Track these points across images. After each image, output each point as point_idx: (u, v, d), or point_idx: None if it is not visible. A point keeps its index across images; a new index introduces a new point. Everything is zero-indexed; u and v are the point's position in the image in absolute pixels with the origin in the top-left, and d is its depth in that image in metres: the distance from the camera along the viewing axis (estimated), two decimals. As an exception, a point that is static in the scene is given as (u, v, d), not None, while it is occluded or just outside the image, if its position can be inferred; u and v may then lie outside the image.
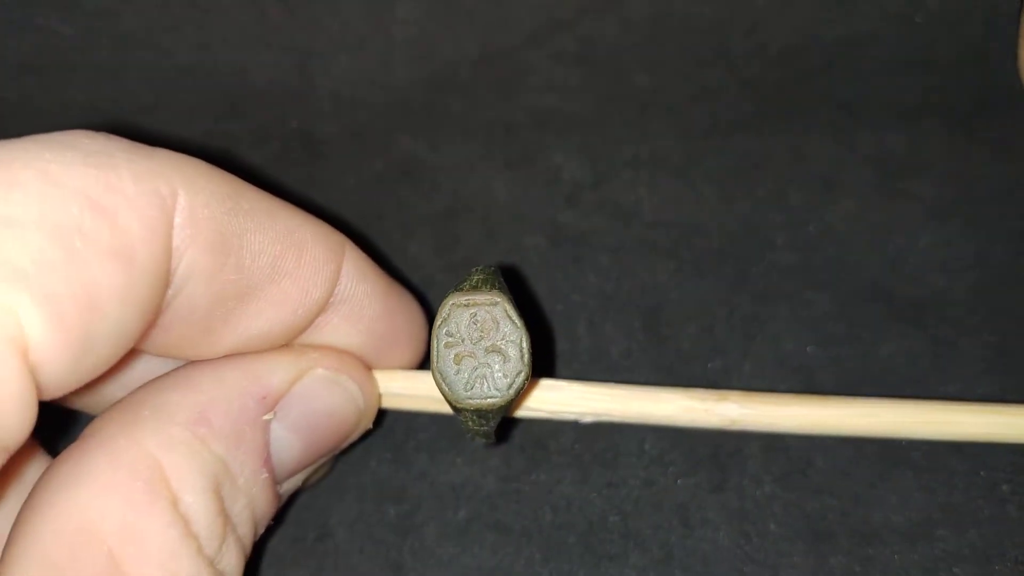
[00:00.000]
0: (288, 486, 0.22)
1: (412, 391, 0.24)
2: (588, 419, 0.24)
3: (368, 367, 0.23)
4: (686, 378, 0.27)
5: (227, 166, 0.20)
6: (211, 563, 0.18)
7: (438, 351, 0.20)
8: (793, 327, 0.28)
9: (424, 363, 0.25)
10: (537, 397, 0.24)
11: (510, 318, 0.20)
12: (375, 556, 0.25)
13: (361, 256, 0.22)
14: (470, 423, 0.21)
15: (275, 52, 0.33)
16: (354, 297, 0.22)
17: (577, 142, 0.31)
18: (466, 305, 0.20)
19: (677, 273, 0.29)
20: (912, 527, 0.25)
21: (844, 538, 0.25)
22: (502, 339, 0.20)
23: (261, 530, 0.21)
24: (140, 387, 0.20)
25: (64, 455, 0.18)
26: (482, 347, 0.20)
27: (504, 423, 0.24)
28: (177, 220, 0.17)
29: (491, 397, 0.20)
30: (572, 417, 0.24)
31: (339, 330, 0.22)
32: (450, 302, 0.20)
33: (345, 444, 0.23)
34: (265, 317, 0.20)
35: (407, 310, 0.24)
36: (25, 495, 0.18)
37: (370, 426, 0.23)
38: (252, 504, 0.20)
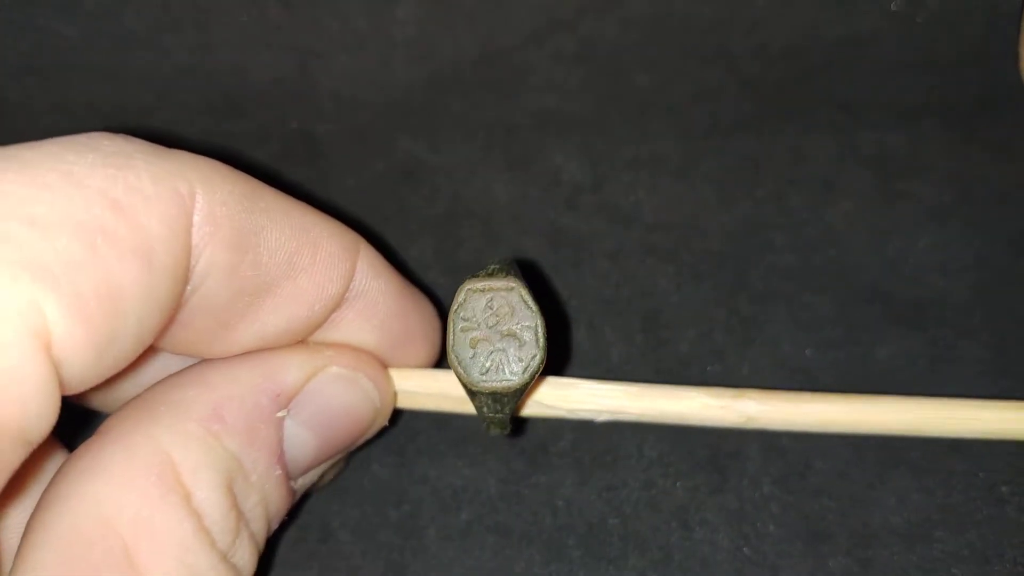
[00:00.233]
0: (303, 482, 0.22)
1: (428, 389, 0.24)
2: (604, 418, 0.24)
3: (384, 365, 0.23)
4: (685, 381, 0.26)
5: (235, 166, 0.20)
6: (224, 557, 0.19)
7: (454, 335, 0.21)
8: (792, 329, 0.28)
9: (440, 363, 0.25)
10: (553, 395, 0.24)
11: (526, 303, 0.21)
12: (377, 558, 0.25)
13: (375, 254, 0.23)
14: (485, 409, 0.22)
15: (275, 52, 0.33)
16: (369, 293, 0.22)
17: (577, 143, 0.31)
18: (482, 290, 0.21)
19: (677, 276, 0.29)
20: (911, 528, 0.25)
21: (843, 539, 0.25)
22: (517, 324, 0.21)
23: (275, 526, 0.21)
24: (156, 384, 0.20)
25: (81, 449, 0.19)
26: (498, 332, 0.21)
27: (521, 419, 0.24)
28: (196, 218, 0.18)
29: (506, 381, 0.20)
30: (588, 416, 0.24)
31: (354, 327, 0.22)
32: (466, 287, 0.21)
33: (361, 441, 0.23)
34: (282, 313, 0.21)
35: (421, 309, 0.24)
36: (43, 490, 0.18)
37: (386, 423, 0.24)
38: (265, 500, 0.20)
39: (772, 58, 0.31)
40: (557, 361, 0.28)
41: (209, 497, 0.19)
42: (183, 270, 0.18)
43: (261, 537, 0.21)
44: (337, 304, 0.22)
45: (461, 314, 0.21)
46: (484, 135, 0.32)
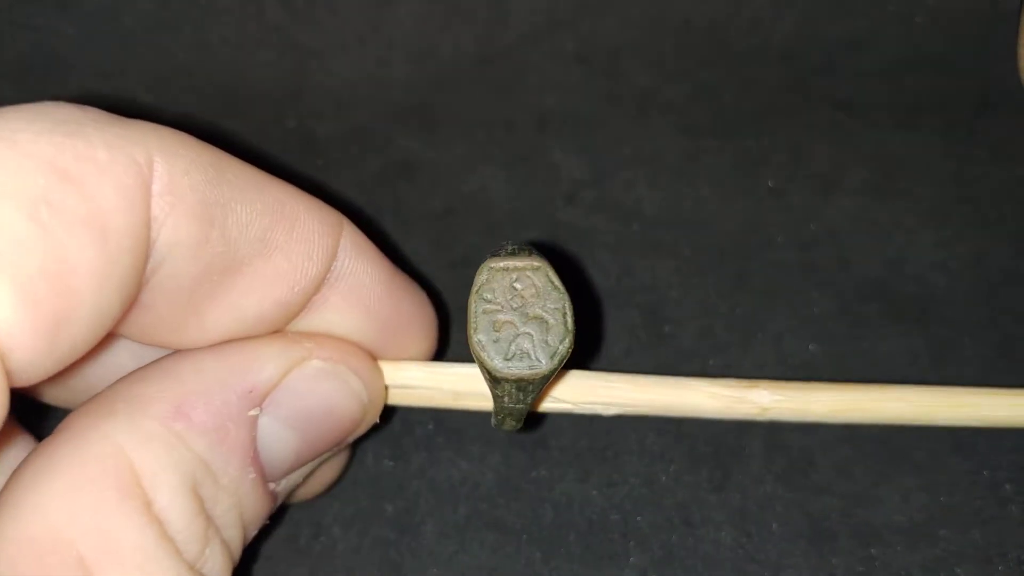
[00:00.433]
0: (286, 485, 0.20)
1: (423, 383, 0.22)
2: (612, 411, 0.23)
3: (373, 358, 0.22)
4: (687, 375, 0.26)
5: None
6: (192, 568, 0.17)
7: (476, 317, 0.19)
8: (793, 326, 0.28)
9: (436, 357, 0.24)
10: (560, 389, 0.23)
11: (552, 284, 0.19)
12: (372, 555, 0.25)
13: (360, 235, 0.21)
14: (506, 399, 0.20)
15: (274, 52, 0.33)
16: (352, 275, 0.21)
17: (576, 140, 0.31)
18: (505, 269, 0.19)
19: (677, 272, 0.29)
20: (914, 527, 0.25)
21: (846, 538, 0.25)
22: (544, 306, 0.19)
23: (253, 531, 0.20)
24: (120, 379, 0.19)
25: (33, 453, 0.17)
26: (523, 314, 0.19)
27: (530, 415, 0.23)
28: (155, 188, 0.16)
29: (534, 366, 0.19)
30: (596, 410, 0.23)
31: (339, 313, 0.21)
32: (488, 266, 0.19)
33: (350, 439, 0.22)
34: (257, 295, 0.19)
35: (412, 297, 0.23)
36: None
37: (376, 420, 0.22)
38: (239, 505, 0.19)
39: (772, 58, 0.31)
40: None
41: (172, 503, 0.17)
42: (142, 244, 0.16)
43: (236, 545, 0.19)
44: (317, 286, 0.20)
45: (484, 295, 0.19)
46: (483, 133, 0.32)
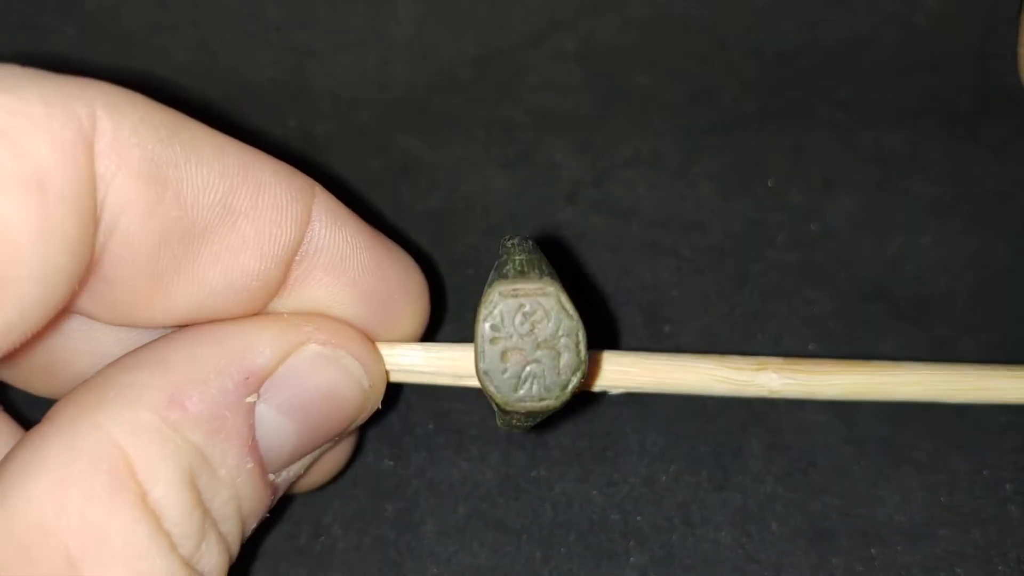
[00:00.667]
0: (286, 476, 0.20)
1: (423, 367, 0.21)
2: (618, 390, 0.22)
3: (372, 341, 0.21)
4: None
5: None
6: (187, 563, 0.17)
7: (483, 348, 0.18)
8: (793, 325, 0.28)
9: (432, 334, 0.23)
10: None
11: (564, 309, 0.18)
12: (372, 554, 0.25)
13: (335, 202, 0.20)
14: (515, 421, 0.19)
15: (274, 52, 0.32)
16: (332, 244, 0.20)
17: (577, 141, 0.31)
18: (514, 295, 0.18)
19: (678, 270, 0.29)
20: (914, 526, 0.25)
21: (846, 537, 0.25)
22: (555, 333, 0.18)
23: (252, 525, 0.19)
24: (108, 365, 0.18)
25: (22, 441, 0.17)
26: (532, 342, 0.18)
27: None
28: (99, 145, 0.16)
29: (544, 399, 0.18)
30: (601, 388, 0.22)
31: (324, 286, 0.20)
32: (495, 292, 0.18)
33: (351, 427, 0.21)
34: (224, 265, 0.18)
35: (399, 263, 0.22)
36: None
37: (378, 406, 0.21)
38: (238, 497, 0.18)
39: (772, 58, 0.31)
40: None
41: (168, 496, 0.16)
42: (89, 205, 0.15)
43: (234, 539, 0.18)
44: (292, 256, 0.19)
45: (490, 323, 0.18)
46: (483, 133, 0.32)
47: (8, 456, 0.16)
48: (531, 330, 0.18)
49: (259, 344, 0.19)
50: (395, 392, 0.23)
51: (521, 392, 0.18)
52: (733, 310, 0.28)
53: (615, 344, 0.28)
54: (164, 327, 0.19)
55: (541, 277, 0.18)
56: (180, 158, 0.17)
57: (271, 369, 0.19)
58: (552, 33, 0.32)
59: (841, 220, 0.29)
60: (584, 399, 0.26)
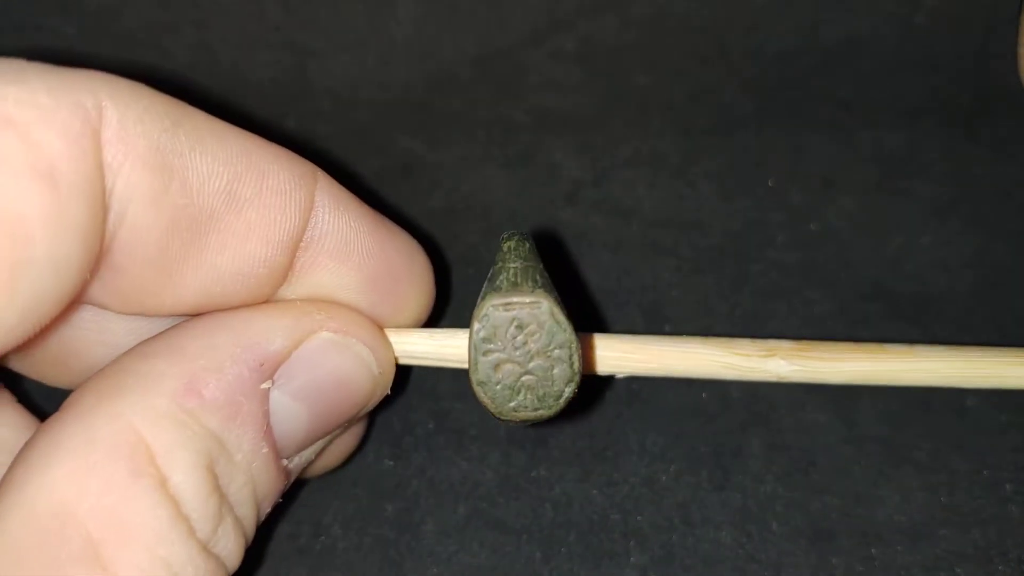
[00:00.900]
0: (298, 461, 0.20)
1: (430, 352, 0.22)
2: (622, 375, 0.22)
3: (381, 328, 0.21)
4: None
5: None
6: (205, 547, 0.17)
7: (477, 361, 0.18)
8: (793, 325, 0.28)
9: (437, 319, 0.24)
10: None
11: (556, 321, 0.18)
12: (372, 554, 0.25)
13: (337, 186, 0.20)
14: (511, 425, 0.20)
15: (274, 52, 0.33)
16: (336, 231, 0.20)
17: (577, 141, 0.31)
18: (506, 308, 0.18)
19: (678, 270, 0.29)
20: (914, 526, 0.25)
21: (846, 537, 0.25)
22: (548, 345, 0.18)
23: (267, 509, 0.19)
24: (124, 353, 0.18)
25: (40, 430, 0.17)
26: (526, 354, 0.18)
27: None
28: (106, 134, 0.16)
29: (539, 409, 0.18)
30: (607, 371, 0.22)
31: (330, 272, 0.20)
32: (488, 304, 0.18)
33: (362, 413, 0.21)
34: (231, 252, 0.19)
35: (403, 245, 0.22)
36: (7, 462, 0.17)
37: (388, 392, 0.22)
38: (253, 482, 0.18)
39: (772, 58, 0.31)
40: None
41: (186, 481, 0.17)
42: (98, 192, 0.16)
43: (249, 523, 0.19)
44: (297, 241, 0.19)
45: (482, 335, 0.18)
46: (483, 133, 0.32)
47: (28, 444, 0.17)
48: (524, 342, 0.19)
49: (273, 332, 0.19)
50: (402, 380, 0.23)
51: (515, 403, 0.19)
52: (733, 310, 0.28)
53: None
54: (174, 315, 0.20)
55: (534, 290, 0.19)
56: (184, 147, 0.17)
57: (285, 356, 0.19)
58: (552, 33, 0.32)
59: (841, 220, 0.29)
60: (590, 388, 0.26)
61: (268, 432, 0.19)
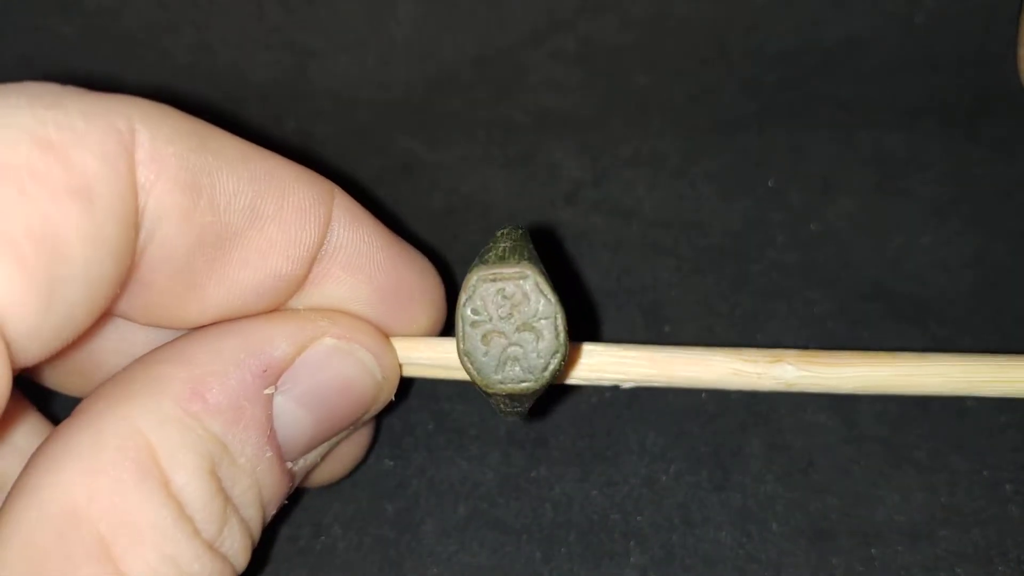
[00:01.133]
0: (303, 464, 0.21)
1: (435, 360, 0.22)
2: (628, 384, 0.22)
3: (385, 335, 0.22)
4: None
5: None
6: (210, 546, 0.18)
7: (464, 331, 0.19)
8: (793, 325, 0.28)
9: (446, 330, 0.24)
10: (574, 363, 0.22)
11: (542, 292, 0.19)
12: (373, 554, 0.25)
13: (354, 203, 0.21)
14: (502, 406, 0.20)
15: (274, 52, 0.32)
16: (350, 244, 0.21)
17: (577, 141, 0.31)
18: (493, 279, 0.19)
19: (677, 271, 0.29)
20: (914, 527, 0.25)
21: (846, 537, 0.25)
22: (534, 316, 0.19)
23: (272, 510, 0.20)
24: (134, 361, 0.19)
25: (52, 434, 0.17)
26: (512, 325, 0.19)
27: (541, 397, 0.22)
28: (139, 156, 0.17)
29: (524, 381, 0.19)
30: (610, 382, 0.22)
31: (341, 284, 0.21)
32: (475, 276, 0.19)
33: (366, 418, 0.22)
34: (253, 268, 0.19)
35: (414, 263, 0.22)
36: (21, 463, 0.17)
37: (391, 398, 0.22)
38: (258, 484, 0.19)
39: (772, 58, 0.31)
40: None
41: (190, 483, 0.17)
42: (131, 212, 0.16)
43: (255, 524, 0.19)
44: (314, 256, 0.20)
45: (470, 307, 0.19)
46: (483, 134, 0.32)
47: (40, 448, 0.17)
48: (511, 313, 0.19)
49: (277, 338, 0.19)
50: (406, 385, 0.23)
51: (501, 375, 0.19)
52: (733, 310, 0.28)
53: (616, 341, 0.28)
54: (194, 327, 0.20)
55: (520, 262, 0.19)
56: (212, 166, 0.18)
57: (288, 362, 0.19)
58: (552, 33, 0.32)
59: (841, 220, 0.29)
60: (591, 394, 0.26)
61: (272, 436, 0.19)
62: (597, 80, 0.32)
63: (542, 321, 0.19)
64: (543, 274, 0.19)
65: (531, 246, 0.20)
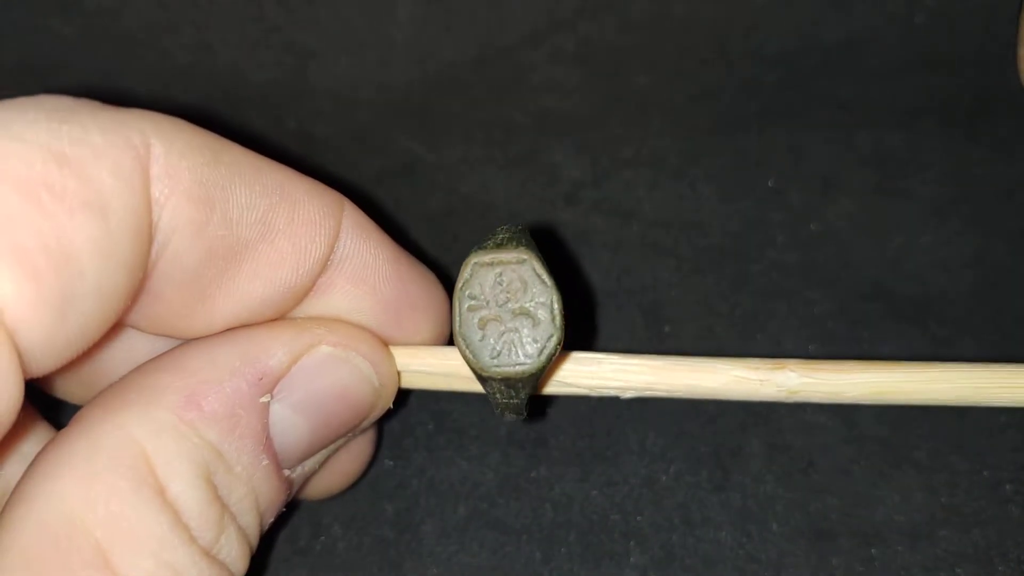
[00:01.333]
0: (302, 472, 0.21)
1: (435, 368, 0.22)
2: (629, 394, 0.22)
3: (384, 343, 0.22)
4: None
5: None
6: (207, 553, 0.18)
7: (460, 315, 0.19)
8: (793, 326, 0.28)
9: (449, 342, 0.23)
10: (573, 371, 0.22)
11: (539, 277, 0.19)
12: (372, 554, 0.25)
13: (362, 216, 0.21)
14: (498, 395, 0.20)
15: (274, 52, 0.32)
16: (357, 255, 0.21)
17: (577, 142, 0.31)
18: (490, 264, 0.19)
19: (677, 271, 0.29)
20: (914, 527, 0.25)
21: (846, 537, 0.25)
22: (531, 301, 0.19)
23: (270, 518, 0.20)
24: (132, 371, 0.19)
25: (49, 444, 0.17)
26: (509, 310, 0.19)
27: (539, 400, 0.22)
28: (153, 171, 0.17)
29: (520, 364, 0.19)
30: (612, 393, 0.22)
31: (346, 294, 0.21)
32: (472, 261, 0.19)
33: (364, 425, 0.22)
34: (262, 279, 0.19)
35: (420, 278, 0.22)
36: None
37: (390, 406, 0.22)
38: (254, 492, 0.19)
39: (772, 58, 0.31)
40: (575, 334, 0.27)
41: (186, 490, 0.17)
42: (145, 226, 0.17)
43: (253, 531, 0.19)
44: (322, 268, 0.20)
45: (467, 291, 0.19)
46: (483, 134, 0.32)
47: (38, 457, 0.17)
48: (507, 299, 0.19)
49: (273, 347, 0.19)
50: (405, 392, 0.23)
51: (498, 359, 0.19)
52: (733, 310, 0.28)
53: (615, 344, 0.28)
54: (202, 336, 0.20)
55: (518, 247, 0.19)
56: (225, 179, 0.18)
57: (284, 370, 0.19)
58: (552, 33, 0.32)
59: (841, 220, 0.29)
60: (591, 402, 0.26)
61: (268, 444, 0.19)
62: (597, 80, 0.32)
63: (539, 306, 0.19)
64: (540, 260, 0.19)
65: (529, 238, 0.20)
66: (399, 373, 0.22)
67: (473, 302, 0.19)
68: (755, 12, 0.31)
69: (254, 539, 0.19)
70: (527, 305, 0.19)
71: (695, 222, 0.30)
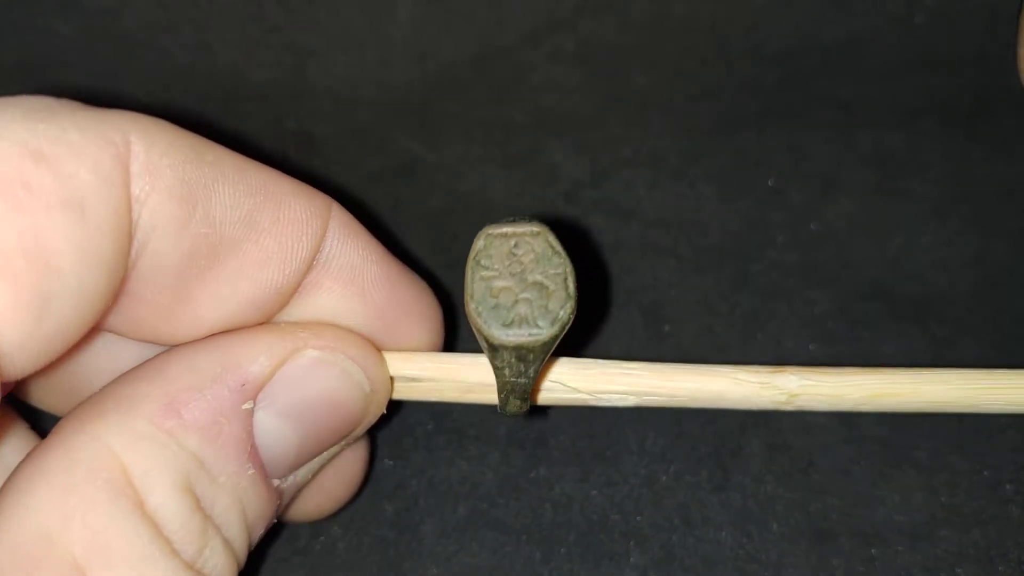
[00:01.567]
0: (293, 481, 0.20)
1: (430, 374, 0.21)
2: (630, 402, 0.22)
3: (375, 347, 0.21)
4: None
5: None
6: (190, 566, 0.17)
7: (473, 283, 0.19)
8: (794, 325, 0.28)
9: (449, 343, 0.24)
10: (575, 378, 0.21)
11: (553, 249, 0.19)
12: (372, 554, 0.25)
13: (350, 217, 0.21)
14: (507, 371, 0.19)
15: (274, 52, 0.33)
16: (344, 255, 0.20)
17: (576, 141, 0.31)
18: (504, 235, 0.19)
19: (677, 271, 0.29)
20: (915, 527, 0.25)
21: (846, 538, 0.25)
22: (544, 272, 0.18)
23: (260, 530, 0.19)
24: (111, 381, 0.18)
25: (27, 458, 0.17)
26: (522, 279, 0.18)
27: (534, 407, 0.22)
28: (133, 168, 0.16)
29: (534, 333, 0.18)
30: (613, 400, 0.22)
31: (333, 296, 0.20)
32: (486, 232, 0.19)
33: (357, 432, 0.21)
34: (248, 278, 0.19)
35: (412, 285, 0.22)
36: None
37: (383, 411, 0.21)
38: (240, 503, 0.18)
39: (772, 58, 0.31)
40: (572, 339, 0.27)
41: (166, 502, 0.17)
42: (124, 224, 0.16)
43: (240, 544, 0.19)
44: (308, 267, 0.20)
45: (481, 261, 0.19)
46: (482, 134, 0.32)
47: (16, 470, 0.17)
48: (520, 269, 0.19)
49: (255, 352, 0.19)
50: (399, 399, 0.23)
51: (511, 328, 0.18)
52: (733, 310, 0.28)
53: (615, 344, 0.28)
54: (185, 341, 0.20)
55: (531, 221, 0.19)
56: (208, 178, 0.18)
57: (267, 376, 0.19)
58: (552, 33, 0.32)
59: (841, 220, 0.29)
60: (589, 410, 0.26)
61: (253, 453, 0.18)
62: (597, 80, 0.32)
63: (553, 276, 0.19)
64: (554, 233, 0.19)
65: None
66: (392, 379, 0.21)
67: (485, 272, 0.19)
68: (755, 12, 0.31)
69: (241, 551, 0.19)
70: (540, 275, 0.19)
71: (695, 222, 0.30)
